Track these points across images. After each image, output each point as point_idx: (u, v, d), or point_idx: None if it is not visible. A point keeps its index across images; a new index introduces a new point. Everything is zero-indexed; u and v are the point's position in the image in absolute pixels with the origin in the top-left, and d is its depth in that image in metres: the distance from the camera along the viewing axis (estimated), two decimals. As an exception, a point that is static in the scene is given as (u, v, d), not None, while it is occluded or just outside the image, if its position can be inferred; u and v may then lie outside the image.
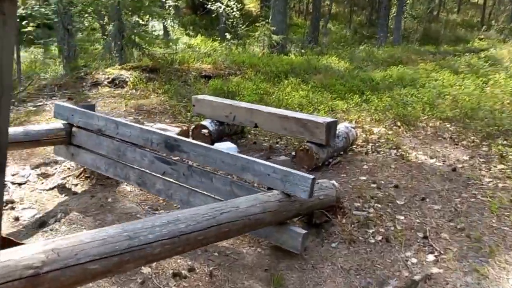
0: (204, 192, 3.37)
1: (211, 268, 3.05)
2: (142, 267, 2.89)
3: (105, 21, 11.53)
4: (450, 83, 7.45)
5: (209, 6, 15.38)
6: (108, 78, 7.71)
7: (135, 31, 10.03)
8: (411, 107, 6.02)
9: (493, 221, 3.38)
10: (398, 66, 9.53)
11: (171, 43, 10.95)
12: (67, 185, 4.26)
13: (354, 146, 4.90)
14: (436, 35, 18.76)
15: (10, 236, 3.42)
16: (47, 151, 4.79)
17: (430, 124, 5.43)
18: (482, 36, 17.30)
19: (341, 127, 4.75)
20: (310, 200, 3.01)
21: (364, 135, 5.20)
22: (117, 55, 9.76)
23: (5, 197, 4.04)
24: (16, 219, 3.73)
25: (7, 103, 1.08)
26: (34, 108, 6.46)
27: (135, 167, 3.77)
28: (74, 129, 4.16)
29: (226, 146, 4.81)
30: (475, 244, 3.09)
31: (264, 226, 2.89)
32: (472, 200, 3.70)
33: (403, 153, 4.64)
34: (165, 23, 14.22)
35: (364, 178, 4.15)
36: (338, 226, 3.38)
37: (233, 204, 2.60)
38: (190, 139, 3.47)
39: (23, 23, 13.06)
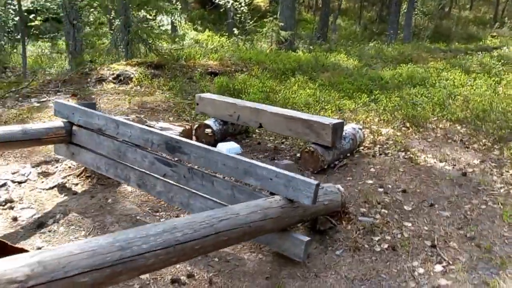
0: (205, 196, 3.28)
1: (210, 275, 2.96)
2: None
3: (112, 15, 11.46)
4: (461, 82, 7.27)
5: (217, 0, 15.25)
6: (113, 74, 7.63)
7: (141, 26, 9.95)
8: (421, 108, 5.87)
9: (505, 230, 3.25)
10: (408, 64, 9.34)
11: (177, 39, 10.83)
12: (67, 185, 4.19)
13: (361, 148, 4.77)
14: (447, 32, 18.46)
15: (7, 239, 3.37)
16: (48, 149, 4.72)
17: (440, 126, 5.28)
18: (495, 34, 17.00)
19: (348, 128, 4.62)
20: (314, 206, 2.89)
21: (371, 136, 5.06)
22: (123, 50, 9.69)
23: (5, 196, 3.99)
24: (15, 219, 3.67)
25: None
26: (38, 104, 6.40)
27: (136, 168, 3.68)
28: (74, 127, 4.08)
29: (230, 146, 4.72)
30: (485, 254, 2.97)
31: (265, 233, 2.79)
32: (483, 207, 3.57)
33: (411, 156, 4.50)
34: (173, 18, 14.13)
35: (371, 181, 4.03)
36: (343, 233, 3.27)
37: (232, 211, 2.50)
38: (191, 141, 3.36)
39: (31, 16, 13.06)
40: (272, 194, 2.94)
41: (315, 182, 2.73)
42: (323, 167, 4.22)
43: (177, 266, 2.97)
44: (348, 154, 4.56)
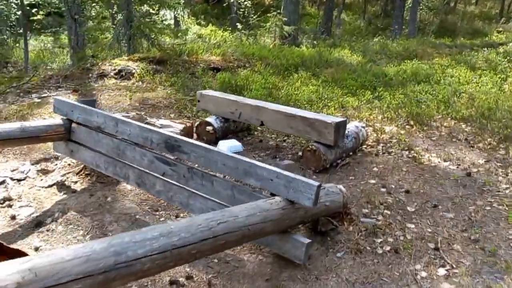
0: (205, 196, 3.23)
1: (210, 276, 2.92)
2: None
3: (114, 9, 11.38)
4: (466, 80, 7.18)
5: (220, -5, 15.14)
6: (115, 70, 7.57)
7: (144, 20, 9.87)
8: (425, 105, 5.79)
9: (510, 232, 3.19)
10: (413, 60, 9.24)
11: (179, 34, 10.75)
12: (66, 183, 4.15)
13: (364, 146, 4.70)
14: (453, 27, 18.27)
15: (4, 238, 3.34)
16: (48, 146, 4.68)
17: (445, 124, 5.20)
18: (501, 29, 16.82)
19: (351, 126, 4.56)
20: (315, 208, 2.84)
21: (375, 135, 4.99)
22: (125, 45, 9.62)
23: (3, 194, 3.96)
24: (13, 217, 3.63)
25: None
26: (39, 100, 6.36)
27: (135, 166, 3.64)
28: (73, 125, 4.03)
29: (231, 144, 4.66)
30: (489, 258, 2.91)
31: (265, 235, 2.74)
32: (488, 208, 3.51)
33: (415, 155, 4.44)
34: (176, 12, 14.03)
35: (373, 181, 3.97)
36: (345, 234, 3.22)
37: (231, 213, 2.44)
38: (191, 140, 3.31)
39: (33, 11, 13.00)
40: (272, 195, 2.89)
41: (316, 183, 2.67)
42: (325, 166, 4.16)
43: (176, 267, 2.93)
44: (351, 153, 4.50)
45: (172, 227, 2.12)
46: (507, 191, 3.74)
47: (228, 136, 5.00)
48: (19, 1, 11.10)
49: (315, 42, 13.43)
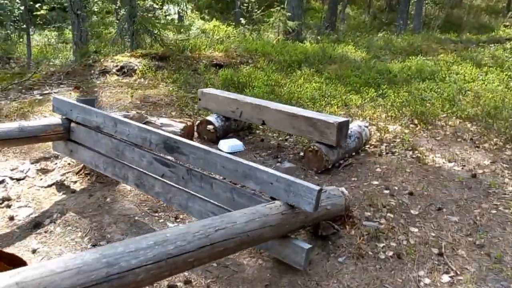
0: (204, 198, 3.17)
1: (208, 281, 2.87)
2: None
3: (117, 4, 11.32)
4: (472, 77, 7.06)
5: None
6: (117, 66, 7.52)
7: (147, 16, 9.80)
8: (430, 104, 5.69)
9: (516, 237, 3.12)
10: (418, 56, 9.12)
11: (182, 29, 10.66)
12: (66, 182, 4.11)
13: (367, 146, 4.63)
14: (459, 21, 18.06)
15: (2, 239, 3.30)
16: (48, 145, 4.63)
17: (450, 123, 5.11)
18: (508, 23, 16.59)
19: (354, 126, 4.48)
20: (315, 212, 2.78)
21: (378, 134, 4.92)
22: (129, 40, 9.56)
23: (2, 194, 3.92)
24: (11, 218, 3.60)
25: None
26: (40, 97, 6.32)
27: (134, 167, 3.59)
28: (72, 124, 3.98)
29: (232, 143, 4.61)
30: (495, 265, 2.84)
31: (264, 241, 2.68)
32: (493, 212, 3.43)
33: (419, 155, 4.36)
34: (180, 7, 13.95)
35: (376, 182, 3.90)
36: (346, 238, 3.15)
37: (229, 219, 2.38)
38: (190, 141, 3.25)
39: (37, 5, 12.94)
40: (272, 198, 2.83)
41: (317, 187, 2.61)
42: (327, 167, 4.10)
43: (174, 272, 2.88)
44: (354, 153, 4.43)
45: (167, 235, 2.07)
46: (513, 194, 3.66)
47: (229, 135, 4.94)
48: (22, -5, 11.05)
49: (319, 37, 13.31)
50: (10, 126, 3.70)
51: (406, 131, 4.98)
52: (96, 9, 12.41)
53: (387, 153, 4.47)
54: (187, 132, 4.64)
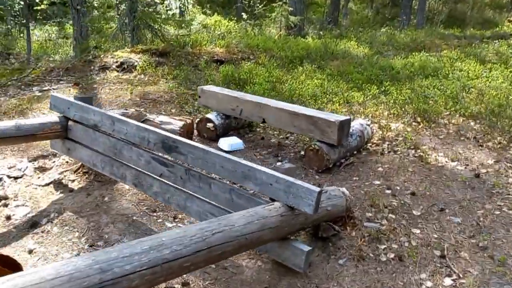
0: (202, 198, 3.13)
1: (206, 283, 2.83)
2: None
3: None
4: (475, 74, 6.96)
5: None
6: (117, 62, 7.45)
7: (147, 10, 9.71)
8: (433, 101, 5.62)
9: (520, 239, 3.06)
10: (421, 52, 9.02)
11: (183, 25, 10.58)
12: (63, 181, 4.07)
13: (369, 145, 4.57)
14: (462, 16, 17.90)
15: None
16: (46, 143, 4.58)
17: (453, 121, 5.04)
18: (512, 18, 16.44)
19: (356, 124, 4.41)
20: (315, 214, 2.73)
21: (380, 132, 4.85)
22: (129, 35, 9.48)
23: (0, 193, 3.88)
24: (8, 218, 3.56)
25: None
26: (39, 94, 6.27)
27: (132, 166, 3.54)
28: (70, 123, 3.94)
29: (232, 142, 4.55)
30: (499, 268, 2.78)
31: (263, 244, 2.63)
32: (497, 213, 3.37)
33: (422, 154, 4.29)
34: (181, 2, 13.84)
35: (378, 182, 3.85)
36: (347, 240, 3.10)
37: (227, 222, 2.33)
38: (188, 140, 3.19)
39: (37, 0, 12.85)
40: (272, 200, 2.78)
41: (317, 189, 2.56)
42: (328, 166, 4.04)
43: (172, 274, 2.84)
44: (355, 152, 4.37)
45: (163, 239, 2.02)
46: (517, 194, 3.60)
47: (229, 133, 4.88)
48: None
49: (321, 32, 13.21)
50: (7, 124, 3.65)
51: (409, 129, 4.91)
52: (96, 4, 12.32)
53: (389, 152, 4.41)
54: (187, 130, 4.58)
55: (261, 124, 5.14)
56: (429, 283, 2.71)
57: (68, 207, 3.67)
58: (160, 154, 3.37)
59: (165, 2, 12.90)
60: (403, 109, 5.44)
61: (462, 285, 2.67)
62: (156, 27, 9.39)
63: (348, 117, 4.11)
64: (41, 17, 13.51)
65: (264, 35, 11.34)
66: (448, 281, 2.72)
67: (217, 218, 2.38)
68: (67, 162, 4.33)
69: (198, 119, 4.91)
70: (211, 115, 4.78)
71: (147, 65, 7.32)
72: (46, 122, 3.86)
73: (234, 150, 4.50)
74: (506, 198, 3.55)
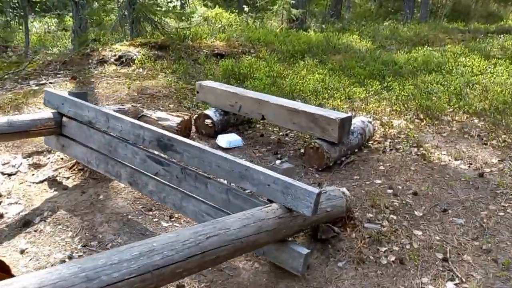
0: (199, 198, 3.04)
1: (202, 285, 2.76)
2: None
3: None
4: (480, 69, 6.84)
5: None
6: (115, 55, 7.35)
7: (147, 3, 9.58)
8: (436, 97, 5.51)
9: (525, 242, 2.97)
10: (424, 46, 8.89)
11: (183, 17, 10.45)
12: (58, 178, 3.98)
13: (371, 142, 4.47)
14: (466, 10, 17.71)
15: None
16: (41, 138, 4.50)
17: (456, 118, 4.94)
18: (517, 13, 16.25)
19: (357, 121, 4.32)
20: (314, 215, 2.64)
21: (382, 129, 4.75)
22: (129, 28, 9.36)
23: (-7, 190, 3.81)
24: (1, 216, 3.48)
25: None
26: (36, 88, 6.17)
27: (127, 164, 3.45)
28: (64, 119, 3.85)
29: (231, 138, 4.46)
30: (503, 272, 2.70)
31: (260, 247, 2.56)
32: (501, 214, 3.28)
33: (424, 152, 4.20)
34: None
35: (379, 181, 3.76)
36: (347, 242, 3.02)
37: (222, 225, 2.25)
38: (184, 139, 3.10)
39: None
40: (269, 201, 2.70)
41: (316, 190, 2.47)
42: (329, 164, 3.95)
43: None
44: (356, 150, 4.28)
45: (154, 245, 1.93)
46: (522, 195, 3.50)
47: (228, 130, 4.79)
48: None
49: (323, 26, 13.06)
50: (-1, 120, 3.56)
51: (411, 126, 4.81)
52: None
53: (391, 149, 4.32)
54: (185, 127, 4.49)
55: (260, 121, 5.05)
56: (431, 288, 2.63)
57: (62, 205, 3.59)
58: (156, 152, 3.29)
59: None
60: (405, 105, 5.33)
61: (465, 290, 2.59)
62: (156, 19, 9.27)
63: (349, 115, 4.01)
64: (39, 9, 13.36)
65: (265, 28, 11.21)
66: (450, 285, 2.63)
67: (211, 221, 2.29)
68: (62, 158, 4.25)
69: (196, 115, 4.81)
70: (210, 111, 4.68)
71: (146, 59, 7.22)
72: (40, 118, 3.77)
73: (232, 147, 4.41)
74: (511, 199, 3.45)
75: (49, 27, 13.74)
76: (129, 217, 3.45)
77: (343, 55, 8.17)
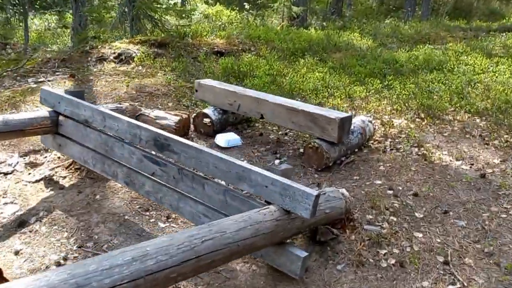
0: (196, 199, 2.99)
1: (198, 288, 2.71)
2: None
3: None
4: (482, 68, 6.77)
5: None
6: (114, 53, 7.29)
7: (147, 0, 9.51)
8: (437, 96, 5.44)
9: (528, 245, 2.92)
10: (425, 44, 8.81)
11: (184, 14, 10.38)
12: (54, 177, 3.94)
13: (371, 142, 4.42)
14: (468, 8, 17.60)
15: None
16: (38, 137, 4.46)
17: (458, 118, 4.88)
18: (519, 10, 16.14)
19: (357, 120, 4.26)
20: (313, 217, 2.59)
21: (382, 128, 4.70)
22: (129, 25, 9.29)
23: (-11, 189, 3.77)
24: (-4, 216, 3.44)
25: None
26: (34, 85, 6.12)
27: (124, 164, 3.41)
28: (61, 118, 3.80)
29: (229, 137, 4.41)
30: (505, 276, 2.65)
31: (257, 250, 2.51)
32: (503, 216, 3.23)
33: (425, 152, 4.14)
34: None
35: (379, 182, 3.70)
36: (346, 244, 2.97)
37: (218, 228, 2.20)
38: (181, 138, 3.05)
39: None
40: (267, 202, 2.65)
41: (315, 192, 2.42)
42: (328, 164, 3.90)
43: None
44: (356, 150, 4.22)
45: (147, 249, 1.89)
46: (524, 196, 3.45)
47: (227, 129, 4.74)
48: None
49: (324, 23, 12.98)
50: (-6, 119, 3.51)
51: (412, 125, 4.76)
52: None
53: (391, 149, 4.26)
54: (183, 125, 4.44)
55: (260, 120, 4.99)
56: (431, 292, 2.58)
57: (58, 205, 3.55)
58: (153, 152, 3.24)
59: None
60: (406, 104, 5.27)
61: (466, 294, 2.54)
62: (156, 17, 9.21)
63: (349, 114, 3.96)
64: (38, 6, 13.29)
65: (266, 26, 11.14)
66: (451, 289, 2.59)
67: (207, 224, 2.25)
68: (59, 157, 4.21)
69: (194, 114, 4.76)
70: (208, 110, 4.63)
71: (145, 57, 7.16)
72: (36, 117, 3.72)
73: (231, 146, 4.37)
74: (513, 201, 3.40)
75: (49, 24, 13.66)
76: (126, 217, 3.40)
77: (343, 53, 8.10)
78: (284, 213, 2.53)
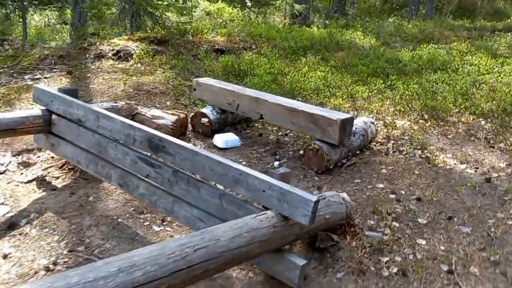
0: (191, 203, 2.89)
1: (193, 296, 2.60)
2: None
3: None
4: (487, 68, 6.64)
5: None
6: (113, 50, 7.17)
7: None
8: (441, 97, 5.32)
9: (536, 254, 2.81)
10: (429, 44, 8.68)
11: (185, 12, 10.26)
12: (47, 178, 3.84)
13: (373, 144, 4.30)
14: (472, 7, 17.43)
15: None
16: (31, 136, 4.36)
17: (462, 120, 4.76)
18: (524, 10, 15.98)
19: (359, 122, 4.15)
20: (312, 224, 2.48)
21: (385, 130, 4.58)
22: (129, 22, 9.19)
23: (-21, 189, 3.66)
24: (-15, 218, 3.34)
25: None
26: (31, 82, 6.01)
27: (118, 165, 3.30)
28: (53, 116, 3.69)
29: (228, 138, 4.30)
30: (512, 287, 2.54)
31: (253, 258, 2.40)
32: (510, 222, 3.11)
33: (429, 155, 4.03)
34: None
35: (381, 185, 3.59)
36: (347, 251, 2.86)
37: (212, 236, 2.09)
38: (177, 140, 2.94)
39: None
40: (265, 207, 2.54)
41: (314, 198, 2.31)
42: (329, 167, 3.79)
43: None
44: (358, 152, 4.11)
45: (135, 259, 1.78)
46: (531, 202, 3.33)
47: (226, 129, 4.63)
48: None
49: (327, 22, 12.85)
50: (-16, 118, 3.41)
51: (415, 127, 4.64)
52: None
53: (394, 152, 4.15)
54: (180, 125, 4.34)
55: (259, 120, 4.88)
56: (435, 303, 2.47)
57: (50, 206, 3.44)
58: (148, 153, 3.13)
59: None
60: (409, 105, 5.15)
61: (472, 306, 2.43)
62: (157, 14, 9.09)
63: (350, 115, 3.84)
64: (36, 2, 13.17)
65: (267, 23, 11.01)
66: (456, 300, 2.48)
67: (200, 231, 2.13)
68: (52, 157, 4.10)
69: (192, 114, 4.65)
70: (206, 110, 4.52)
71: (144, 54, 7.05)
72: (28, 116, 3.61)
73: (229, 147, 4.26)
74: (520, 206, 3.28)
75: (49, 20, 13.55)
76: (119, 220, 3.30)
77: (346, 52, 7.98)
78: (281, 219, 2.42)
